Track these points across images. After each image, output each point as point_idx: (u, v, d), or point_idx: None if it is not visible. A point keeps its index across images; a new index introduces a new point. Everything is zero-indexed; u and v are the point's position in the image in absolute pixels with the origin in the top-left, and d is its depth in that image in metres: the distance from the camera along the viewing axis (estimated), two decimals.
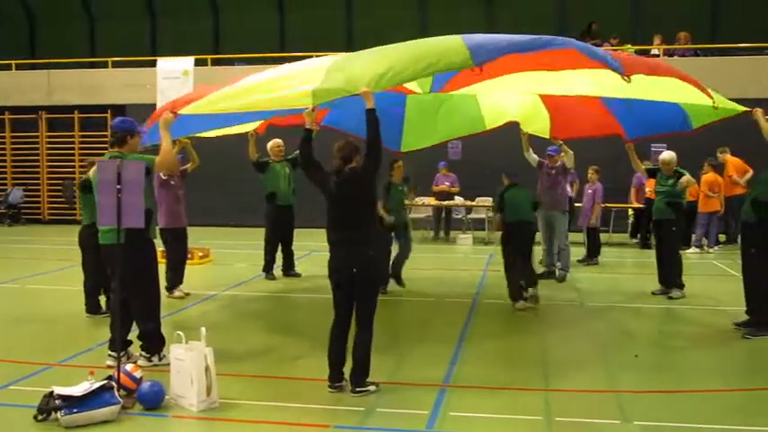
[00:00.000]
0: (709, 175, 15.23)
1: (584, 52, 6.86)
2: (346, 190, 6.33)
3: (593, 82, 8.39)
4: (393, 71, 6.38)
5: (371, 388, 6.33)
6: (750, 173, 15.38)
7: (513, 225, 9.91)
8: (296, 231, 12.34)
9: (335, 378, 6.38)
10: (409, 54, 6.64)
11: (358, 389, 6.28)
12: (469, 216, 18.43)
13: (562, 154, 11.61)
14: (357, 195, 6.34)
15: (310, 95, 6.37)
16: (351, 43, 22.97)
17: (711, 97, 7.82)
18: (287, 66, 8.31)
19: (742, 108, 8.47)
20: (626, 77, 6.75)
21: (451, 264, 12.78)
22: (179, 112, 7.25)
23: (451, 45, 6.63)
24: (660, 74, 7.66)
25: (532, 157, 11.76)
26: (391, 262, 10.99)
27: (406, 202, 12.10)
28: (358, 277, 6.25)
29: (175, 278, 10.58)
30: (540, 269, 12.43)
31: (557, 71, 7.99)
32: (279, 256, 12.31)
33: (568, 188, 12.98)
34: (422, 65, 6.46)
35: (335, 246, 6.37)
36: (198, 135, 9.82)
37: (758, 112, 8.33)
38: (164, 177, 9.97)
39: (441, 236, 18.09)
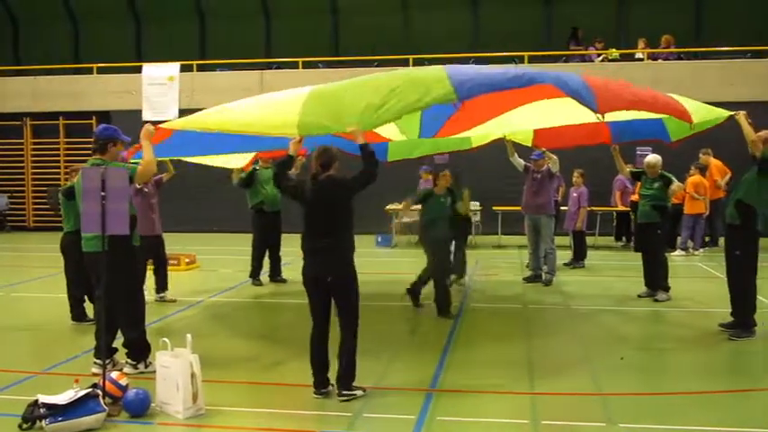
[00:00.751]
0: (694, 178, 15.31)
1: (561, 89, 6.90)
2: (323, 196, 6.27)
3: (577, 107, 8.40)
4: (378, 108, 6.35)
5: (358, 393, 6.31)
6: (729, 175, 15.52)
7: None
8: (282, 237, 12.32)
9: (320, 384, 6.37)
10: (392, 88, 6.54)
11: (345, 392, 6.27)
12: None
13: (546, 158, 11.67)
14: (334, 202, 6.28)
15: (297, 126, 6.40)
16: (337, 48, 23.00)
17: (691, 121, 7.87)
18: (269, 95, 8.37)
19: (727, 113, 8.53)
20: (600, 116, 6.89)
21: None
22: (164, 126, 7.27)
23: (435, 76, 6.63)
24: (639, 108, 7.76)
25: (518, 161, 11.79)
26: (418, 275, 10.10)
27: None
28: (335, 285, 6.22)
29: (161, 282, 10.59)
30: (526, 273, 12.49)
31: (537, 101, 8.09)
32: (265, 261, 12.29)
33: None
34: (407, 101, 6.41)
35: (310, 253, 6.31)
36: (183, 159, 9.86)
37: (741, 115, 8.38)
38: (138, 186, 9.91)
39: None
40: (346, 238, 6.31)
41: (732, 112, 8.48)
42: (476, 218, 17.82)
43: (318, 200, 6.27)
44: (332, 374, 6.38)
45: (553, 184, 12.37)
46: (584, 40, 20.50)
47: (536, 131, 10.65)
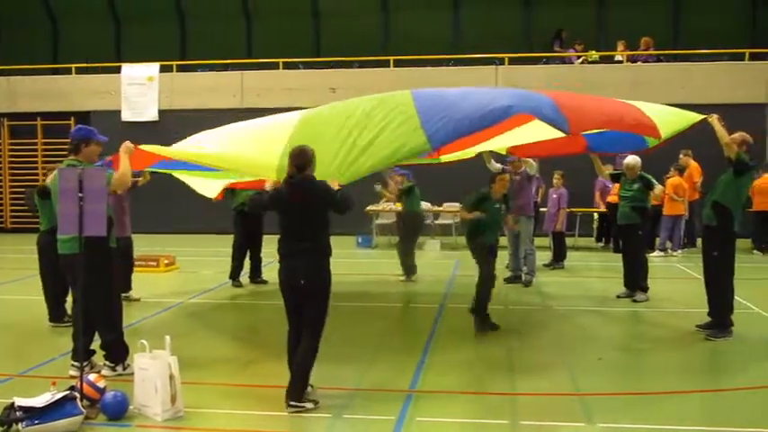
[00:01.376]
0: (674, 179, 15.42)
1: (535, 115, 7.10)
2: (298, 195, 6.14)
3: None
4: (351, 165, 6.65)
5: (308, 405, 6.05)
6: (701, 178, 15.75)
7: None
8: (264, 238, 12.28)
9: None
10: (364, 145, 6.78)
11: (292, 403, 6.02)
12: (437, 221, 18.47)
13: (522, 161, 11.73)
14: (309, 202, 6.15)
15: (275, 170, 6.48)
16: (318, 50, 22.97)
17: (659, 137, 8.01)
18: (249, 124, 8.38)
19: (699, 117, 8.60)
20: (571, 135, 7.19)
21: (418, 269, 12.80)
22: (145, 149, 7.33)
23: (409, 127, 6.82)
24: (609, 128, 7.91)
25: (495, 166, 11.78)
26: (474, 296, 9.01)
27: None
28: (307, 290, 6.08)
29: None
30: (506, 273, 12.53)
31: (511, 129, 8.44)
32: (246, 262, 12.26)
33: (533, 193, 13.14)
34: (381, 156, 6.75)
35: (286, 257, 6.19)
36: (162, 171, 9.87)
37: (714, 117, 8.45)
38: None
39: None
40: (322, 241, 6.19)
41: (704, 116, 8.54)
42: (456, 219, 17.89)
43: (294, 200, 6.15)
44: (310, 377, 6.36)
45: (532, 186, 12.42)
46: (566, 42, 20.58)
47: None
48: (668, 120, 8.35)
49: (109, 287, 6.93)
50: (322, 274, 6.17)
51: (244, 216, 11.89)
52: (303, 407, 6.03)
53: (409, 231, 12.89)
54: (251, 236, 12.07)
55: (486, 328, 8.85)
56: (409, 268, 12.61)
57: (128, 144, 7.00)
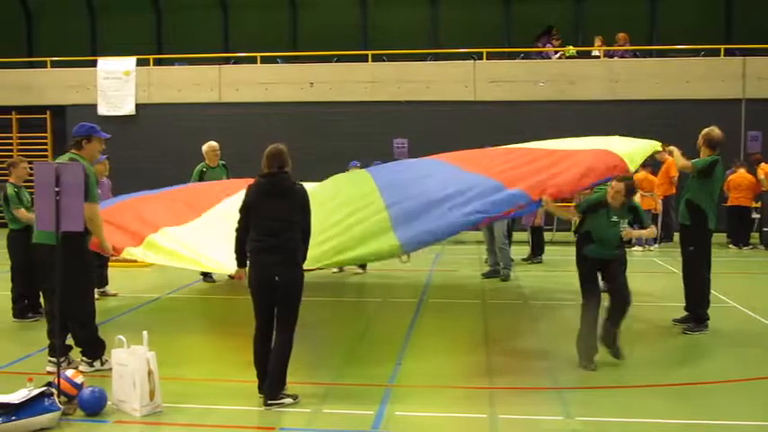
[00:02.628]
0: (638, 174, 15.48)
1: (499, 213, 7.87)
2: (276, 190, 6.08)
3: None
4: (317, 261, 7.12)
5: (287, 401, 6.04)
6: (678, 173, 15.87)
7: None
8: None
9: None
10: (338, 249, 7.32)
11: (270, 401, 6.00)
12: None
13: None
14: (288, 199, 6.09)
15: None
16: (296, 44, 22.88)
17: (629, 171, 8.09)
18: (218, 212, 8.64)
19: (657, 146, 8.87)
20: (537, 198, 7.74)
21: (397, 263, 12.77)
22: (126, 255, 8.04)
23: (381, 228, 7.41)
24: (590, 182, 8.31)
25: None
26: (600, 324, 7.35)
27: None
28: (282, 287, 6.02)
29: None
30: (485, 268, 12.57)
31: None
32: None
33: None
34: (351, 256, 7.45)
35: (258, 253, 6.07)
36: None
37: (673, 148, 8.86)
38: None
39: None
40: (296, 236, 6.11)
41: (662, 145, 9.05)
42: None
43: (270, 194, 6.07)
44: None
45: None
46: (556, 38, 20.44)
47: None
48: (634, 153, 8.61)
49: (84, 282, 6.88)
50: (297, 269, 6.11)
51: None
52: (281, 403, 6.01)
53: None
54: None
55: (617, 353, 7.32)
56: None
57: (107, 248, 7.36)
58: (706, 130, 8.67)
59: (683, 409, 6.15)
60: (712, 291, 8.78)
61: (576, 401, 6.24)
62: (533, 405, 6.20)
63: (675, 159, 8.80)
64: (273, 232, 6.03)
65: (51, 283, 6.47)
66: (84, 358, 6.99)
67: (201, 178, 11.52)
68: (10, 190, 9.02)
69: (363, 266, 12.73)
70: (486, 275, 12.34)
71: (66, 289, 6.56)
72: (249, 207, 6.13)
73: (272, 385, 6.03)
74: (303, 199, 6.16)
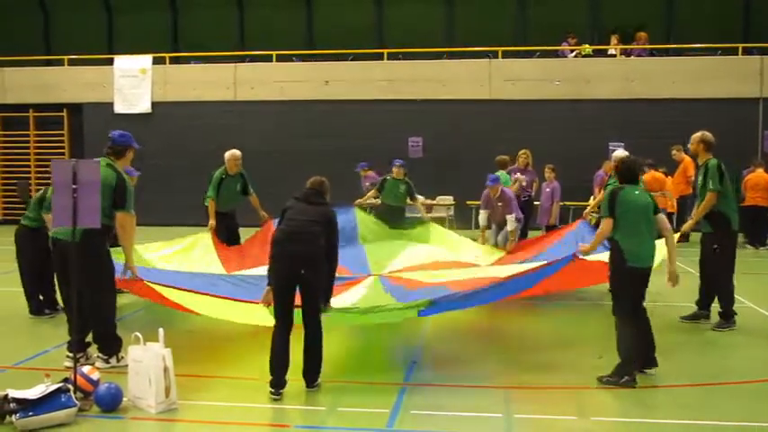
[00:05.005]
0: (646, 175, 15.40)
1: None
2: (312, 208, 6.44)
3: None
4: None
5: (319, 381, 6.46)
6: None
7: None
8: (242, 231, 12.15)
9: (282, 384, 6.24)
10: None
11: (314, 385, 6.38)
12: (429, 215, 18.45)
13: (501, 182, 11.67)
14: (309, 204, 6.47)
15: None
16: (311, 42, 22.91)
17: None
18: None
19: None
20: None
21: None
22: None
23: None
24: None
25: (481, 216, 11.74)
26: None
27: None
28: (307, 279, 6.24)
29: None
30: None
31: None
32: None
33: (526, 185, 13.50)
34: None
35: (279, 245, 6.34)
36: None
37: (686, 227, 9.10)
38: None
39: None
40: (317, 239, 6.34)
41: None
42: (449, 212, 17.91)
43: (307, 208, 6.42)
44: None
45: (513, 207, 12.05)
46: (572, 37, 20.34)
47: None
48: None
49: (107, 278, 6.93)
50: (319, 262, 6.34)
51: (219, 215, 11.53)
52: (319, 383, 6.40)
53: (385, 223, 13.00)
54: (228, 234, 11.64)
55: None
56: None
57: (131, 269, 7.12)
58: (698, 134, 8.78)
59: (701, 409, 6.10)
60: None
61: (590, 401, 6.23)
62: (548, 404, 6.19)
63: (698, 216, 8.72)
64: (296, 234, 6.30)
65: (74, 280, 6.51)
66: (100, 354, 7.03)
67: (220, 185, 11.34)
68: (50, 193, 9.04)
69: None
70: None
71: (89, 285, 6.62)
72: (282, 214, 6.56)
73: (312, 370, 6.38)
74: (328, 213, 6.49)
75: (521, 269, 8.45)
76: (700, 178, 8.68)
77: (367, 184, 16.79)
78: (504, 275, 8.17)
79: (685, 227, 9.15)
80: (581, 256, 7.11)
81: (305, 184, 6.67)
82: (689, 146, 8.96)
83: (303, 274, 6.20)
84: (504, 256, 10.77)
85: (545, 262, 8.21)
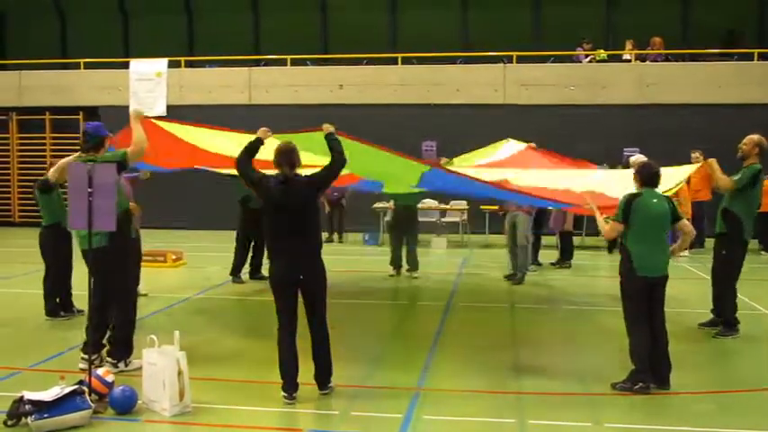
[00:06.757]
0: None
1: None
2: (294, 197, 6.21)
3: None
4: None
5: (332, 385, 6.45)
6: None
7: None
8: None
9: (294, 387, 6.22)
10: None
11: (328, 387, 6.39)
12: (443, 219, 18.45)
13: None
14: (304, 202, 6.27)
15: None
16: (326, 46, 22.94)
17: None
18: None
19: (694, 168, 8.80)
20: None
21: (425, 267, 12.81)
22: (152, 118, 7.48)
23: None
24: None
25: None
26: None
27: None
28: (308, 284, 6.23)
29: None
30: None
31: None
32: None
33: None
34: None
35: (279, 254, 6.28)
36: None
37: (712, 162, 8.62)
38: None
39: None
40: (315, 235, 6.37)
41: (700, 164, 8.66)
42: (463, 217, 17.88)
43: (288, 201, 6.20)
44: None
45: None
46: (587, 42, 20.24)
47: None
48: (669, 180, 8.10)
49: (130, 281, 7.01)
50: (319, 264, 6.34)
51: (248, 210, 11.72)
52: (332, 387, 6.40)
53: (397, 227, 13.06)
54: (255, 231, 11.69)
55: None
56: (393, 261, 12.87)
57: (137, 109, 7.20)
58: (756, 137, 8.56)
59: (715, 417, 6.07)
60: (743, 297, 8.72)
61: (605, 408, 6.20)
62: (562, 410, 6.16)
63: (716, 179, 8.56)
64: (292, 233, 6.23)
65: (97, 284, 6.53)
66: (108, 358, 7.05)
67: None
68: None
69: (396, 267, 12.86)
70: (508, 278, 12.32)
71: (113, 288, 6.67)
72: (263, 198, 6.42)
73: (324, 376, 6.38)
74: (315, 182, 6.40)
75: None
76: (737, 176, 8.52)
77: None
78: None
79: (715, 168, 8.62)
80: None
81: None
82: (740, 145, 8.65)
83: (303, 280, 6.21)
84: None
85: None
